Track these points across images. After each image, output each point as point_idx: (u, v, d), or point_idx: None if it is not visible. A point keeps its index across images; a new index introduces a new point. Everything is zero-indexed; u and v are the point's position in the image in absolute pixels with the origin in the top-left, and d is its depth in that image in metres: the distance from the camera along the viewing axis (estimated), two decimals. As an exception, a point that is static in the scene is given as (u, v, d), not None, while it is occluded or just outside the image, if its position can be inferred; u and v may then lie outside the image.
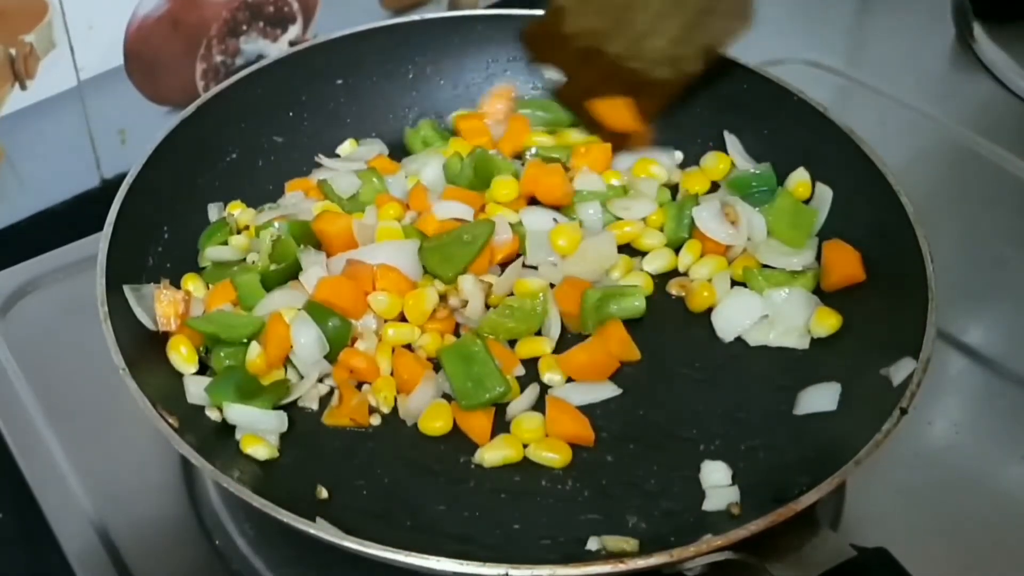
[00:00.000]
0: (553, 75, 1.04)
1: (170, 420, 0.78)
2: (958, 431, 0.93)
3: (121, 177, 0.91)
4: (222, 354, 0.86)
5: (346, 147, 1.06)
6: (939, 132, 1.19)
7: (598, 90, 1.01)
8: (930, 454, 0.91)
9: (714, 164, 1.02)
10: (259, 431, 0.83)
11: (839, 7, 1.38)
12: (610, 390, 0.87)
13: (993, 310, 1.04)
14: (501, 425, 0.84)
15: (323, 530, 0.71)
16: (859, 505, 0.86)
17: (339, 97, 1.06)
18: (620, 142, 1.02)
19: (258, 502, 0.72)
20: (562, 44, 1.01)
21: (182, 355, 0.86)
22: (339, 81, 1.06)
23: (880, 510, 0.86)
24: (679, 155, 1.05)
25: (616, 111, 1.01)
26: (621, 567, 0.69)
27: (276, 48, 1.19)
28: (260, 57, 1.18)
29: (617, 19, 0.98)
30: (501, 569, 0.69)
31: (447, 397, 0.86)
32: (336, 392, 0.87)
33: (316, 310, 0.86)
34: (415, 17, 1.08)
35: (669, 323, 0.92)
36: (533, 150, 1.04)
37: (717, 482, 0.81)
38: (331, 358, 0.87)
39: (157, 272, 0.91)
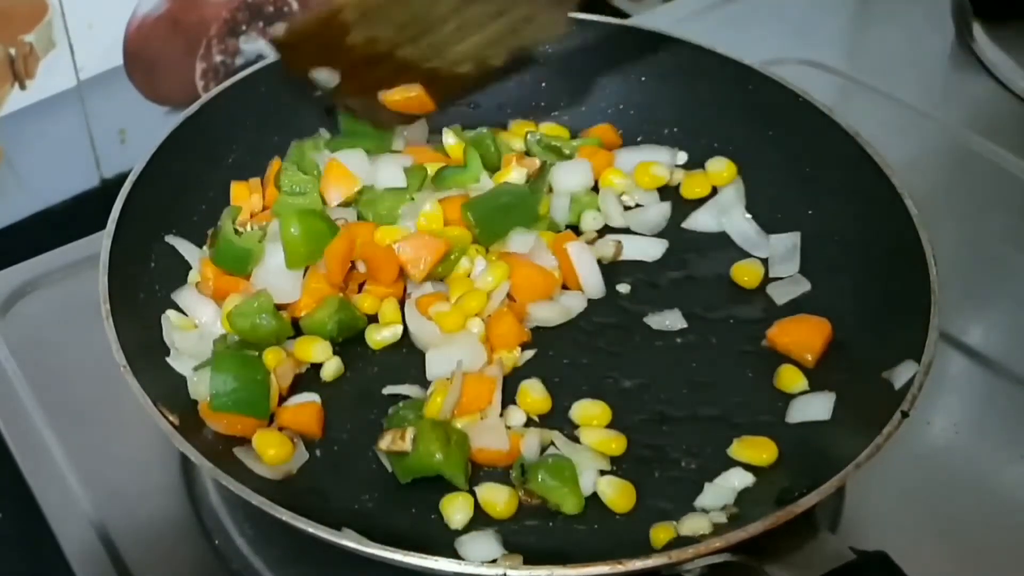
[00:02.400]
0: (323, 77, 0.92)
1: (170, 418, 0.78)
2: (958, 431, 0.93)
3: (121, 177, 0.91)
4: None
5: None
6: (939, 132, 1.19)
7: (382, 86, 0.92)
8: (930, 455, 0.91)
9: (719, 168, 1.02)
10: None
11: (839, 7, 1.38)
12: None
13: (993, 310, 1.04)
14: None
15: (321, 529, 0.71)
16: (858, 507, 0.85)
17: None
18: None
19: (257, 500, 0.72)
20: (336, 50, 0.90)
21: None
22: (342, 80, 1.06)
23: (879, 512, 0.86)
24: (683, 155, 1.05)
25: (408, 98, 0.94)
26: (620, 568, 0.69)
27: (276, 48, 1.19)
28: (260, 57, 1.18)
29: (414, 30, 0.88)
30: (500, 569, 0.69)
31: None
32: None
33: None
34: (418, 16, 1.07)
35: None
36: (536, 135, 1.04)
37: (729, 484, 0.81)
38: None
39: (159, 271, 0.92)
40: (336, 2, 0.87)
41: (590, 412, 0.86)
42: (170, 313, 0.89)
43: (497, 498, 0.79)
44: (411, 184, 0.96)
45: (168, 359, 0.86)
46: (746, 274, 0.95)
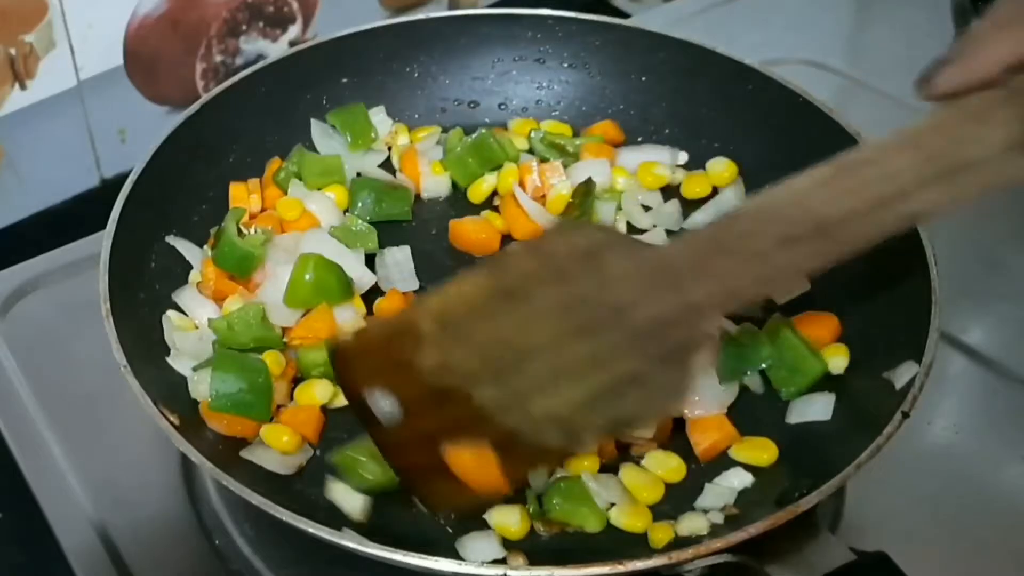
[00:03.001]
0: (383, 404, 0.70)
1: (170, 418, 0.78)
2: (958, 431, 0.93)
3: (121, 177, 0.91)
4: None
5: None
6: (939, 132, 1.19)
7: (449, 434, 0.69)
8: (930, 455, 0.91)
9: (719, 169, 1.02)
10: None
11: (839, 7, 1.38)
12: None
13: (993, 310, 1.04)
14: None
15: (321, 529, 0.71)
16: (859, 507, 0.85)
17: (344, 96, 1.05)
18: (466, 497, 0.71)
19: (257, 500, 0.72)
20: (402, 372, 0.70)
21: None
22: (344, 80, 1.06)
23: (880, 512, 0.86)
24: (684, 156, 1.05)
25: (480, 465, 0.69)
26: (620, 568, 0.69)
27: (276, 48, 1.19)
28: (260, 57, 1.18)
29: (498, 365, 0.68)
30: (500, 570, 0.69)
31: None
32: None
33: None
34: (420, 16, 1.07)
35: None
36: (540, 133, 1.05)
37: (729, 484, 0.81)
38: None
39: (159, 271, 0.92)
40: (411, 312, 0.76)
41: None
42: (171, 313, 0.89)
43: (510, 521, 0.78)
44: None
45: (168, 359, 0.86)
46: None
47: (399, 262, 0.95)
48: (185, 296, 0.91)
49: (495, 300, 0.70)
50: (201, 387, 0.83)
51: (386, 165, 1.05)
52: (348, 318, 0.89)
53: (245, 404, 0.82)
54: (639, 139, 1.06)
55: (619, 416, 0.69)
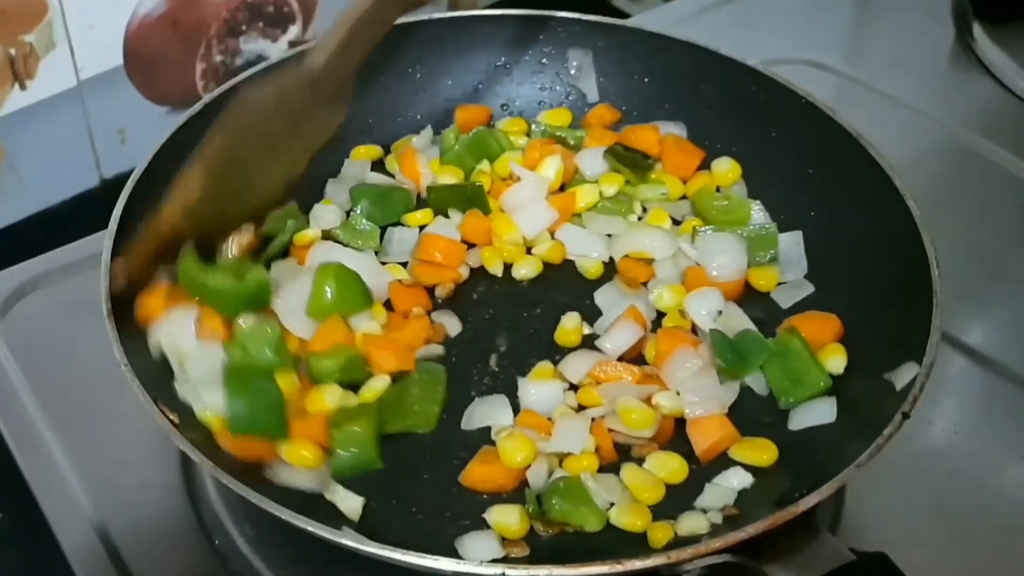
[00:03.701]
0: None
1: (170, 417, 0.78)
2: (958, 431, 0.93)
3: (121, 177, 0.91)
4: None
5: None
6: (939, 132, 1.19)
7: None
8: (930, 455, 0.91)
9: (724, 169, 1.02)
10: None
11: (839, 7, 1.38)
12: None
13: (993, 310, 1.04)
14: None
15: (321, 528, 0.71)
16: (858, 507, 0.86)
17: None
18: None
19: (256, 499, 0.72)
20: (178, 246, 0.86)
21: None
22: (347, 80, 1.06)
23: (880, 512, 0.86)
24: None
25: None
26: (618, 568, 0.69)
27: (276, 48, 1.19)
28: (260, 57, 1.18)
29: (240, 185, 0.89)
30: (498, 569, 0.69)
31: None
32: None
33: None
34: (423, 17, 1.07)
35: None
36: (541, 126, 1.05)
37: (729, 484, 0.81)
38: None
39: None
40: (163, 218, 0.86)
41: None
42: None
43: (509, 520, 0.78)
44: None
45: (175, 384, 0.82)
46: (763, 278, 0.95)
47: (404, 239, 0.97)
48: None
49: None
50: (209, 410, 0.80)
51: (379, 167, 1.05)
52: (366, 325, 0.88)
53: (262, 425, 0.80)
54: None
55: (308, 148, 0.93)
